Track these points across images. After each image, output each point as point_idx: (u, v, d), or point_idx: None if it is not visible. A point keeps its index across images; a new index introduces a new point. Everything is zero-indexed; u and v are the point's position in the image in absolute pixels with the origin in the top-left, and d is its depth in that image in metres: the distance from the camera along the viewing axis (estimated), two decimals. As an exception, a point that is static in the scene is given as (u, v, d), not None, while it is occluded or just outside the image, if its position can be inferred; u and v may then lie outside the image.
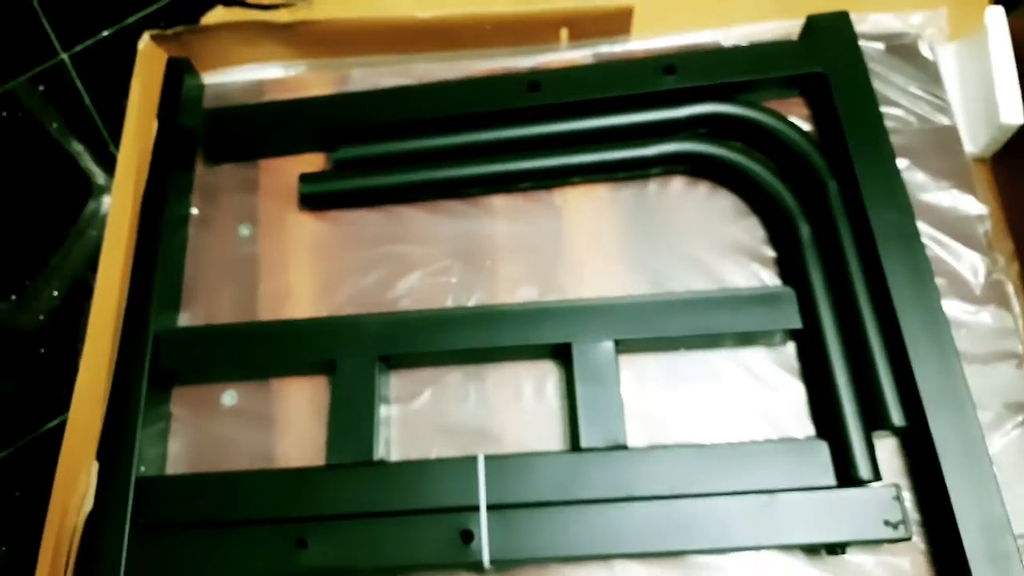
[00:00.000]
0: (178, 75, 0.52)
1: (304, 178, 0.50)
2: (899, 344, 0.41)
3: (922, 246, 0.44)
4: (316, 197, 0.50)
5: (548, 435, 0.44)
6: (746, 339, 0.45)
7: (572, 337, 0.44)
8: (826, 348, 0.43)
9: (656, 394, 0.45)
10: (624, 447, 0.41)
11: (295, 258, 0.50)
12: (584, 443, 0.41)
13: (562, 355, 0.45)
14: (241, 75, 0.56)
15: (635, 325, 0.44)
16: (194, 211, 0.51)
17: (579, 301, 0.46)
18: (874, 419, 0.41)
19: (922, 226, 0.46)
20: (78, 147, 0.59)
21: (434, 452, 0.44)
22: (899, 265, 0.43)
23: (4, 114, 0.59)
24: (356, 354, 0.44)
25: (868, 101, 0.48)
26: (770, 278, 0.47)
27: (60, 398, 0.49)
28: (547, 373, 0.46)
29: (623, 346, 0.44)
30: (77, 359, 0.46)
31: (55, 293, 0.53)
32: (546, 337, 0.44)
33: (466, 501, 0.40)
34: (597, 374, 0.43)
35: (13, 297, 0.53)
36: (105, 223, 0.55)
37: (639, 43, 0.54)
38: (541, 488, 0.40)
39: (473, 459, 0.41)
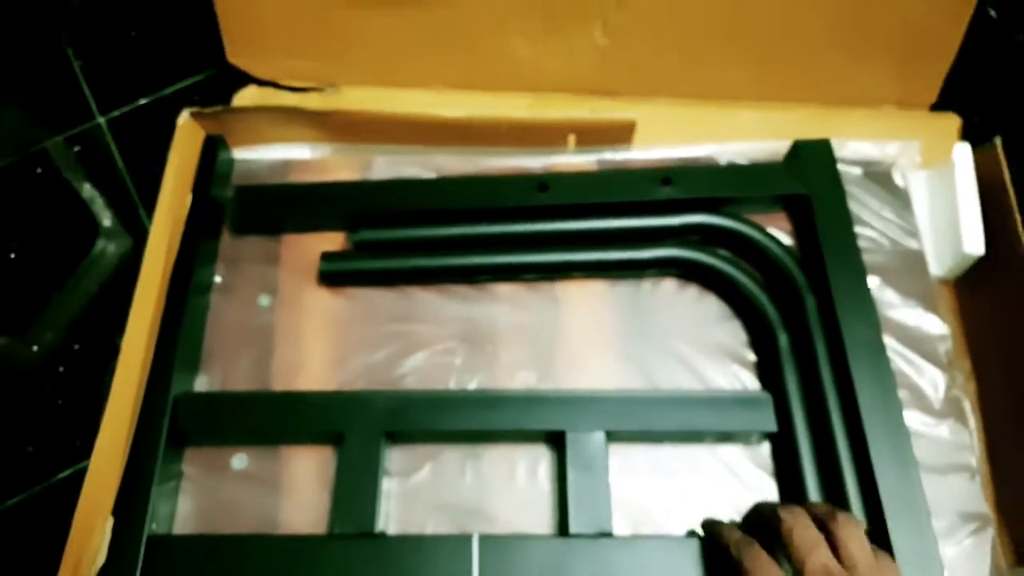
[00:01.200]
0: (214, 151, 0.56)
1: (325, 256, 0.54)
2: (864, 451, 0.45)
3: (887, 360, 0.48)
4: (335, 275, 0.54)
5: (538, 516, 0.47)
6: (725, 437, 0.49)
7: (566, 425, 0.47)
8: (798, 451, 0.47)
9: (641, 483, 0.48)
10: (610, 534, 0.44)
11: (310, 330, 0.53)
12: (573, 528, 0.44)
13: (556, 441, 0.49)
14: (269, 153, 0.60)
15: (625, 418, 0.48)
16: (217, 279, 0.55)
17: (574, 392, 0.50)
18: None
19: (889, 341, 0.50)
20: (94, 197, 0.62)
21: (430, 526, 0.47)
22: (867, 377, 0.47)
23: (39, 171, 0.63)
24: (363, 429, 0.47)
25: (844, 222, 0.53)
26: (749, 379, 0.51)
27: (75, 449, 0.51)
28: (540, 456, 0.49)
29: (613, 437, 0.48)
30: (93, 413, 0.49)
31: (75, 346, 0.55)
32: (542, 424, 0.48)
33: (460, 577, 0.43)
34: (588, 462, 0.46)
35: (35, 348, 0.55)
36: (109, 267, 0.59)
37: (639, 152, 0.59)
38: (531, 570, 0.43)
39: (468, 538, 0.44)
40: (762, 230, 0.53)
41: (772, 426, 0.48)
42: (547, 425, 0.47)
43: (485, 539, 0.44)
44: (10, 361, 0.56)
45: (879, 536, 0.43)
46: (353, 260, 0.54)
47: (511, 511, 0.47)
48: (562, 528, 0.46)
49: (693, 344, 0.52)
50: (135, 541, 0.44)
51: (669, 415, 0.48)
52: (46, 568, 0.45)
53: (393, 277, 0.54)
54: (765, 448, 0.49)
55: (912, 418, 0.49)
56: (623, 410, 0.48)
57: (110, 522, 0.44)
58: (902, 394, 0.48)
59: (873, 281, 0.53)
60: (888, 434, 0.45)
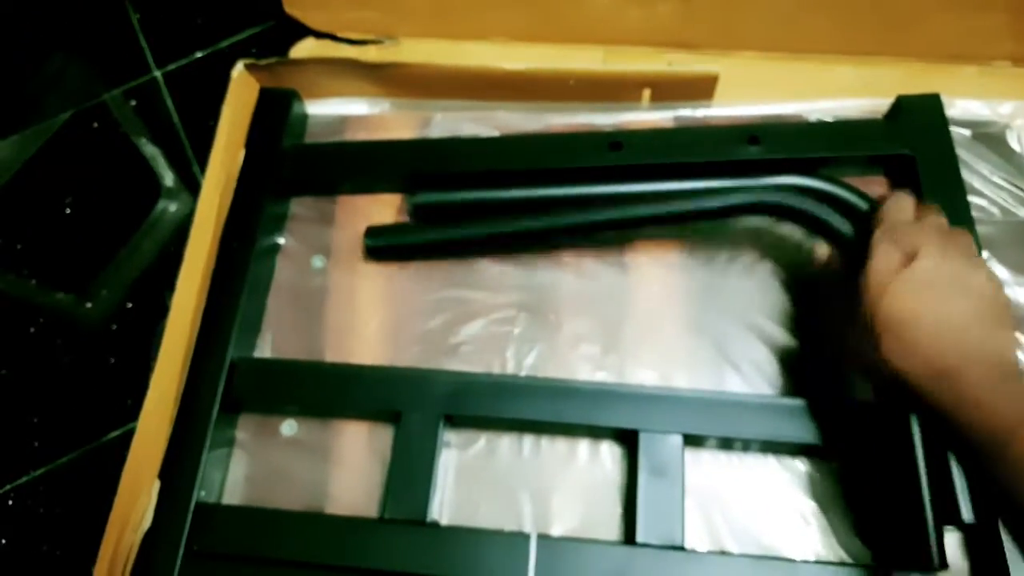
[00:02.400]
0: (271, 105, 0.54)
1: (369, 232, 0.51)
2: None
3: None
4: (381, 250, 0.51)
5: (601, 511, 0.44)
6: (819, 451, 0.44)
7: (640, 424, 0.43)
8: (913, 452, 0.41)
9: (717, 494, 0.44)
10: (681, 548, 0.40)
11: (364, 294, 0.51)
12: (640, 537, 0.41)
13: (627, 440, 0.45)
14: (325, 108, 0.57)
15: (707, 421, 0.43)
16: (281, 241, 0.52)
17: (650, 388, 0.45)
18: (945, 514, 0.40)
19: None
20: (155, 155, 0.60)
21: (483, 507, 0.44)
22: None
23: (95, 124, 0.61)
24: (422, 410, 0.44)
25: (955, 187, 0.47)
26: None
27: (126, 409, 0.50)
28: (608, 449, 0.46)
29: (691, 441, 0.44)
30: (145, 373, 0.48)
31: (129, 305, 0.54)
32: (613, 421, 0.44)
33: (515, 578, 0.40)
34: (662, 466, 0.42)
35: (89, 304, 0.54)
36: (170, 227, 0.57)
37: (721, 109, 0.54)
38: None
39: (526, 537, 0.41)
40: (863, 194, 0.48)
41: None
42: (619, 423, 0.44)
43: (544, 540, 0.41)
44: (65, 317, 0.55)
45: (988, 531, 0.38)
46: (399, 234, 0.51)
47: (572, 505, 0.44)
48: (628, 536, 0.42)
49: (771, 317, 0.48)
50: (183, 507, 0.42)
51: (757, 421, 0.43)
52: (94, 527, 0.44)
53: (442, 249, 0.51)
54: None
55: (1026, 409, 0.44)
56: (705, 411, 0.43)
57: (157, 485, 0.43)
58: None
59: (983, 254, 0.47)
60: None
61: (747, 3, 0.54)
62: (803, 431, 0.42)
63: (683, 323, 0.48)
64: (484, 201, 0.50)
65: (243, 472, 0.46)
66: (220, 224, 0.50)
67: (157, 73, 0.63)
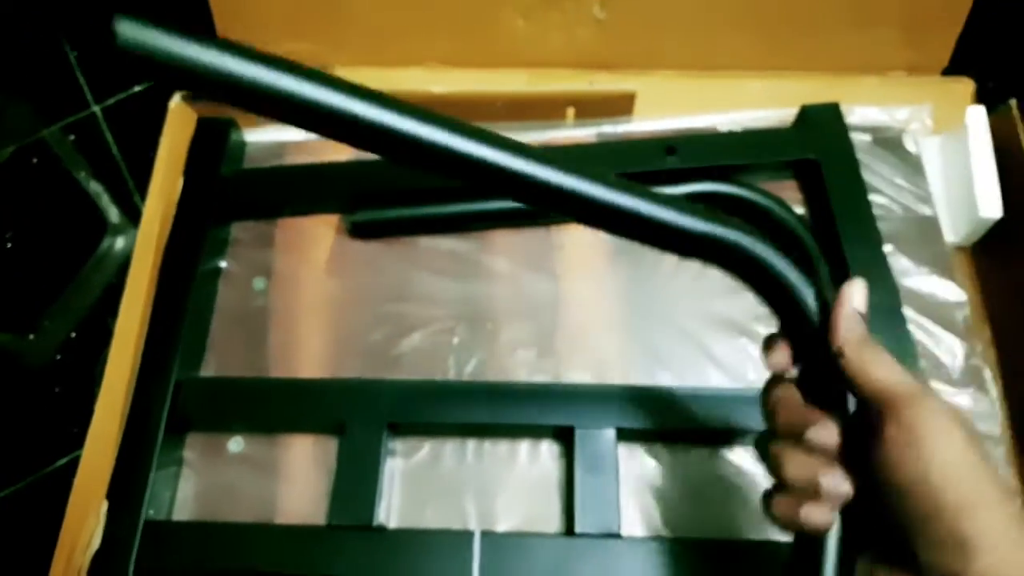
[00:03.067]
0: (209, 133, 0.55)
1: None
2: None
3: (907, 329, 0.47)
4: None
5: (543, 507, 0.46)
6: (743, 439, 0.47)
7: (575, 421, 0.45)
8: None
9: (653, 484, 0.46)
10: (618, 535, 0.43)
11: (305, 312, 0.52)
12: (579, 528, 0.43)
13: (564, 437, 0.47)
14: (264, 135, 0.59)
15: (638, 415, 0.45)
16: (222, 264, 0.54)
17: (583, 385, 0.48)
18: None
19: (904, 310, 0.48)
20: (99, 191, 0.61)
21: (429, 511, 0.46)
22: (887, 345, 0.45)
23: (35, 160, 0.62)
24: (366, 419, 0.46)
25: (857, 188, 0.51)
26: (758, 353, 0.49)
27: (72, 436, 0.50)
28: (546, 447, 0.48)
29: (624, 435, 0.46)
30: (90, 400, 0.48)
31: (72, 335, 0.55)
32: (550, 419, 0.46)
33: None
34: (597, 460, 0.44)
35: (31, 336, 0.55)
36: (116, 263, 0.58)
37: (640, 124, 0.57)
38: (534, 570, 0.41)
39: (470, 534, 0.42)
40: (773, 197, 0.51)
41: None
42: (555, 420, 0.46)
43: (487, 536, 0.42)
44: (8, 350, 0.55)
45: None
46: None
47: (515, 503, 0.46)
48: (568, 528, 0.44)
49: (699, 318, 0.51)
50: (131, 525, 0.43)
51: (686, 413, 0.46)
52: (43, 554, 0.44)
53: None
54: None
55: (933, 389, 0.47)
56: (636, 406, 0.46)
57: (105, 506, 0.43)
58: (921, 364, 0.46)
59: (886, 249, 0.51)
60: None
61: (661, 25, 0.58)
62: (732, 419, 0.45)
63: (613, 324, 0.51)
64: (419, 217, 0.53)
65: (192, 490, 0.47)
66: (161, 251, 0.52)
67: (96, 108, 0.64)
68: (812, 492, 0.28)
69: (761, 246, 0.30)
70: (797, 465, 0.29)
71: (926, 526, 0.25)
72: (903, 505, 0.26)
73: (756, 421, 0.45)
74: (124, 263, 0.57)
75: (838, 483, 0.28)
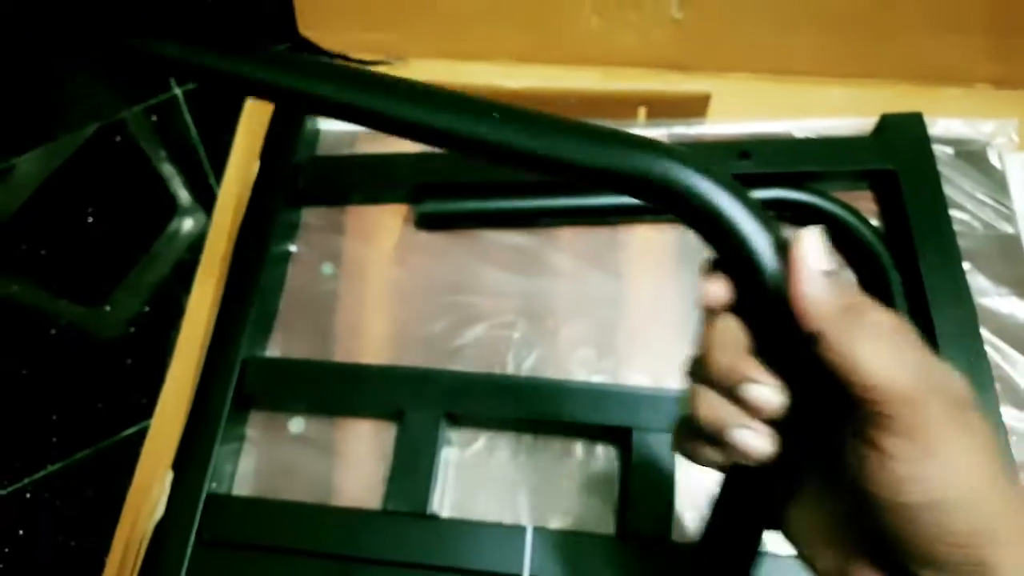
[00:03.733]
0: (285, 120, 0.56)
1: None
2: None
3: (983, 348, 0.45)
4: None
5: (595, 506, 0.45)
6: None
7: (632, 422, 0.45)
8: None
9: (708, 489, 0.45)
10: (671, 540, 0.42)
11: (370, 299, 0.53)
12: (631, 530, 0.42)
13: (621, 438, 0.47)
14: (337, 124, 0.60)
15: None
16: (293, 248, 0.55)
17: (643, 388, 0.47)
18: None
19: (980, 330, 0.47)
20: (175, 172, 0.63)
21: (481, 503, 0.46)
22: (960, 364, 0.44)
23: (118, 139, 0.64)
24: (424, 408, 0.46)
25: (937, 201, 0.49)
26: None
27: (141, 407, 0.52)
28: (600, 441, 0.47)
29: None
30: (161, 373, 0.50)
31: (146, 308, 0.56)
32: (607, 419, 0.45)
33: (511, 569, 0.42)
34: (653, 462, 0.44)
35: (107, 308, 0.57)
36: (188, 241, 0.60)
37: (713, 127, 0.57)
38: (584, 570, 0.41)
39: (522, 529, 0.43)
40: (848, 206, 0.50)
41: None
42: (612, 421, 0.45)
43: (539, 532, 0.42)
44: (85, 320, 0.57)
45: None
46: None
47: (568, 501, 0.46)
48: (620, 529, 0.44)
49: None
50: (194, 497, 0.44)
51: None
52: (108, 520, 0.46)
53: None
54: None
55: (1005, 414, 0.45)
56: None
57: (170, 476, 0.45)
58: (996, 388, 0.45)
59: (965, 266, 0.49)
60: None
61: (738, 26, 0.57)
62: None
63: (676, 327, 0.50)
64: (485, 210, 0.53)
65: (252, 466, 0.48)
66: (235, 233, 0.53)
67: (177, 91, 0.66)
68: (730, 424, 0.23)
69: (687, 173, 0.23)
70: (719, 410, 0.24)
71: (930, 548, 0.20)
72: (897, 524, 0.21)
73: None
74: (195, 241, 0.59)
75: (767, 395, 0.23)
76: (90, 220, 0.61)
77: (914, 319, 0.46)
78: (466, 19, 0.59)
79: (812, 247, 0.22)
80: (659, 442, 0.44)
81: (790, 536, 0.26)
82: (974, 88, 0.58)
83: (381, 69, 0.61)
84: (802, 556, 0.25)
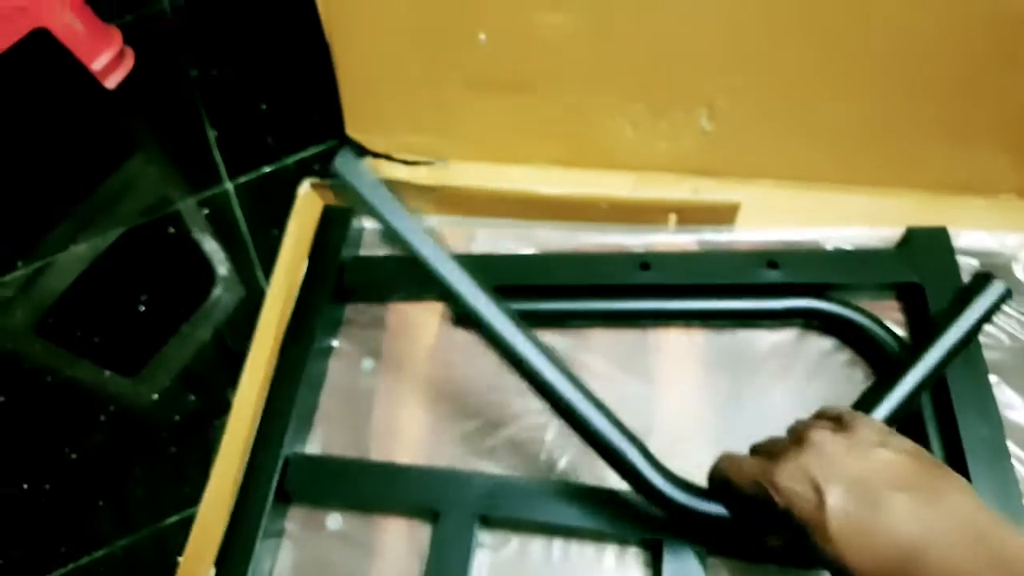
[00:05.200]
0: (333, 221, 0.59)
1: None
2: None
3: (1011, 463, 0.45)
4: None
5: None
6: None
7: (665, 535, 0.46)
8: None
9: None
10: None
11: (408, 396, 0.55)
12: None
13: (652, 548, 0.47)
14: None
15: (730, 537, 0.46)
16: (335, 343, 0.57)
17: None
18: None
19: (1008, 445, 0.47)
20: (225, 263, 0.66)
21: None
22: (987, 481, 0.44)
23: (171, 230, 0.68)
24: (458, 509, 0.47)
25: (963, 315, 0.51)
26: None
27: (184, 496, 0.54)
28: (632, 547, 0.48)
29: (714, 552, 0.46)
30: (204, 462, 0.52)
31: (191, 398, 0.59)
32: (640, 531, 0.46)
33: None
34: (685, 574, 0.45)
35: (155, 396, 0.59)
36: (235, 334, 0.62)
37: (742, 234, 0.59)
38: None
39: None
40: (874, 318, 0.51)
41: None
42: (643, 532, 0.46)
43: None
44: (131, 407, 0.59)
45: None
46: None
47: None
48: None
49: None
50: (235, 594, 0.45)
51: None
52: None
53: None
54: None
55: (1037, 530, 0.46)
56: (727, 525, 0.46)
57: (212, 573, 0.46)
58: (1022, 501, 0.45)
59: (991, 379, 0.50)
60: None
61: (766, 136, 0.59)
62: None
63: (708, 435, 0.51)
64: (523, 313, 0.55)
65: (291, 562, 0.49)
66: (282, 327, 0.55)
67: (229, 185, 0.70)
68: None
69: None
70: None
71: None
72: None
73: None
74: (242, 334, 0.61)
75: None
76: (141, 309, 0.64)
77: (941, 432, 0.47)
78: (506, 125, 0.62)
79: None
80: (689, 555, 0.45)
81: None
82: (998, 198, 0.59)
83: (423, 170, 0.64)
84: None
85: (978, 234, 0.56)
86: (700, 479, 0.50)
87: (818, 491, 0.32)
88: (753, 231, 0.58)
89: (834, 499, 0.31)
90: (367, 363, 0.56)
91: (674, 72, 0.56)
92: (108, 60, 0.77)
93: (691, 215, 0.58)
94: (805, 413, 0.51)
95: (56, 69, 0.76)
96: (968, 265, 0.55)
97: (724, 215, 0.58)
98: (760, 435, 0.51)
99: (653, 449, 0.51)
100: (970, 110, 0.56)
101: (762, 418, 0.52)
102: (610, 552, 0.48)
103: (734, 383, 0.53)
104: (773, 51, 0.53)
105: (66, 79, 0.76)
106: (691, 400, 0.53)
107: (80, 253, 0.67)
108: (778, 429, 0.51)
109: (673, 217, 0.59)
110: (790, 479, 0.33)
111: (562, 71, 0.57)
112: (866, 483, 0.31)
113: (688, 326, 0.55)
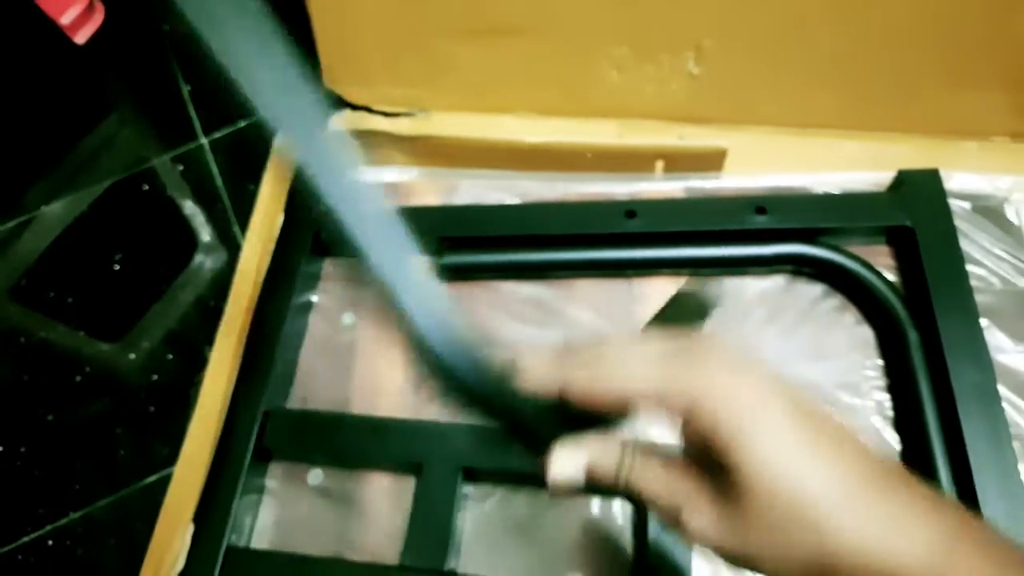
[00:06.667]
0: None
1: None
2: (975, 507, 0.41)
3: (1002, 408, 0.45)
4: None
5: (614, 563, 0.45)
6: None
7: None
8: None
9: None
10: None
11: (390, 350, 0.54)
12: None
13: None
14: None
15: None
16: (314, 298, 0.56)
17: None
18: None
19: (999, 388, 0.46)
20: (200, 218, 0.64)
21: (498, 559, 0.46)
22: (978, 427, 0.44)
23: (146, 187, 0.66)
24: (442, 462, 0.47)
25: (954, 258, 0.49)
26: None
27: (163, 456, 0.53)
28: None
29: None
30: (183, 421, 0.51)
31: (169, 356, 0.57)
32: None
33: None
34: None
35: (132, 356, 0.58)
36: (212, 292, 0.61)
37: (730, 180, 0.57)
38: None
39: None
40: (864, 263, 0.50)
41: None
42: None
43: None
44: (110, 367, 0.58)
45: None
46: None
47: (586, 558, 0.46)
48: None
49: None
50: (214, 550, 0.44)
51: None
52: (130, 569, 0.46)
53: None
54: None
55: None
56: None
57: (191, 529, 0.45)
58: (1015, 447, 0.44)
59: (982, 323, 0.49)
60: (1002, 491, 0.42)
61: (755, 80, 0.58)
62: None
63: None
64: (507, 264, 0.54)
65: (272, 518, 0.48)
66: (259, 282, 0.54)
67: (204, 140, 0.68)
68: None
69: None
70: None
71: None
72: None
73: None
74: (219, 290, 0.60)
75: None
76: (116, 268, 0.62)
77: (931, 376, 0.46)
78: (488, 75, 0.60)
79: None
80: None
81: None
82: (991, 141, 0.58)
83: (404, 121, 0.62)
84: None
85: (970, 176, 0.55)
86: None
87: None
88: (741, 177, 0.57)
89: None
90: (347, 317, 0.55)
91: (660, 13, 0.54)
92: (77, 14, 0.74)
93: (678, 162, 0.57)
94: (795, 359, 0.50)
95: (24, 25, 0.73)
96: (960, 208, 0.54)
97: (712, 162, 0.57)
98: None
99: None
100: (965, 51, 0.54)
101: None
102: (595, 502, 0.47)
103: (722, 331, 0.52)
104: (761, -12, 0.51)
105: (34, 35, 0.74)
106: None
107: (52, 215, 0.66)
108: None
109: (660, 164, 0.57)
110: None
111: (543, 14, 0.55)
112: None
113: (675, 274, 0.54)
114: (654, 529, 0.44)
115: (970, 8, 0.50)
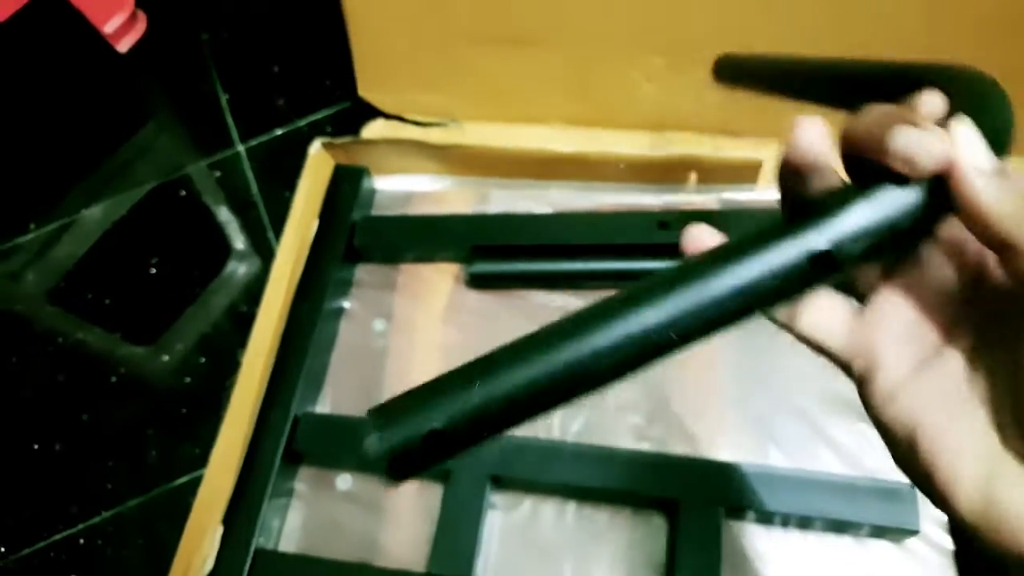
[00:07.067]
0: (347, 180, 0.58)
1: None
2: None
3: None
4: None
5: (641, 572, 0.45)
6: (851, 528, 0.45)
7: (680, 494, 0.45)
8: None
9: (754, 566, 0.45)
10: None
11: (420, 357, 0.54)
12: None
13: (668, 509, 0.46)
14: (392, 184, 0.62)
15: (749, 495, 0.44)
16: (346, 304, 0.56)
17: (692, 457, 0.47)
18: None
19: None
20: (234, 225, 0.65)
21: (525, 569, 0.46)
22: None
23: (182, 193, 0.67)
24: (470, 470, 0.46)
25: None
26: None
27: (194, 457, 0.53)
28: (647, 510, 0.47)
29: (731, 513, 0.45)
30: (214, 423, 0.51)
31: (202, 359, 0.58)
32: (655, 490, 0.45)
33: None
34: (701, 537, 0.43)
35: (166, 358, 0.59)
36: (246, 296, 0.61)
37: (764, 193, 0.57)
38: None
39: None
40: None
41: (915, 524, 0.43)
42: (660, 492, 0.45)
43: None
44: (144, 369, 0.59)
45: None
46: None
47: (612, 572, 0.45)
48: None
49: (815, 397, 0.49)
50: (242, 552, 0.45)
51: (798, 497, 0.44)
52: (158, 569, 0.46)
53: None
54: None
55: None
56: (745, 485, 0.44)
57: (219, 530, 0.46)
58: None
59: None
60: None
61: (791, 94, 0.57)
62: (847, 509, 0.43)
63: (726, 397, 0.50)
64: (538, 273, 0.54)
65: (300, 521, 0.49)
66: (292, 287, 0.54)
67: (240, 148, 0.69)
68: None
69: None
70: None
71: None
72: None
73: (876, 514, 0.43)
74: (253, 295, 0.60)
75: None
76: (152, 271, 0.63)
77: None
78: (519, 84, 0.61)
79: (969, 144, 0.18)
80: (707, 516, 0.44)
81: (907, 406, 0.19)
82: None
83: (435, 130, 0.63)
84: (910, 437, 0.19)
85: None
86: (726, 438, 0.48)
87: None
88: (775, 190, 0.56)
89: None
90: (379, 324, 0.55)
91: (695, 25, 0.53)
92: (120, 23, 0.76)
93: (712, 174, 0.57)
94: (826, 370, 0.49)
95: (68, 32, 0.75)
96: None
97: (746, 174, 0.56)
98: (784, 394, 0.49)
99: (675, 407, 0.50)
100: (1007, 62, 0.53)
101: (783, 376, 0.50)
102: (625, 514, 0.47)
103: (753, 342, 0.51)
104: (801, 2, 0.50)
105: (78, 43, 0.75)
106: (709, 362, 0.51)
107: (91, 220, 0.67)
108: (800, 388, 0.49)
109: (693, 176, 0.57)
110: None
111: (575, 25, 0.55)
112: None
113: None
114: (684, 546, 0.43)
115: (1012, 20, 0.49)
